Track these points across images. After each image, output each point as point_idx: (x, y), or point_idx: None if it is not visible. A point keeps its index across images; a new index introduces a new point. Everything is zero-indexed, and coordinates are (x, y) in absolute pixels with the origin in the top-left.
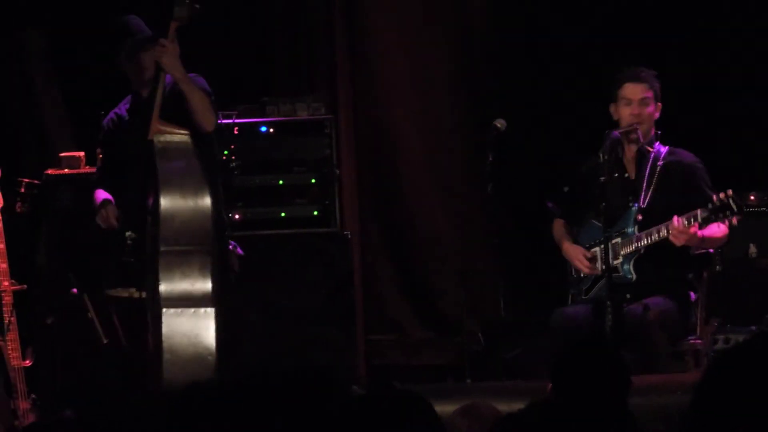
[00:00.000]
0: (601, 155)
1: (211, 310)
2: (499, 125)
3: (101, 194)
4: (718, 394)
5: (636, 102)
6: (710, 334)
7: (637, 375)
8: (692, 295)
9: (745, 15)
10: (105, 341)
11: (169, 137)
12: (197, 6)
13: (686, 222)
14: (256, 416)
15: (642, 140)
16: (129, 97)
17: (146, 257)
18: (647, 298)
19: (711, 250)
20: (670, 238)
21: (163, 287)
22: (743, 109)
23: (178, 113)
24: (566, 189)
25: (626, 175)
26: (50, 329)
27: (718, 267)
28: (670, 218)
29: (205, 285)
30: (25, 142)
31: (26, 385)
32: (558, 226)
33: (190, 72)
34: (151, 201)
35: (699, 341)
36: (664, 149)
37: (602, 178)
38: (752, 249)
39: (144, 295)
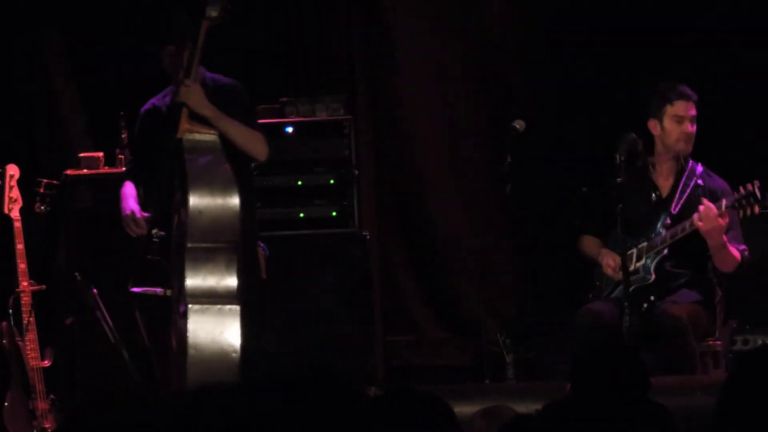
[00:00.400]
0: (617, 157)
1: (236, 308)
2: (518, 126)
3: (127, 196)
4: (745, 394)
5: (688, 120)
6: (729, 335)
7: (661, 375)
8: (716, 295)
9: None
10: (113, 341)
11: (198, 136)
12: (229, 6)
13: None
14: (270, 418)
15: (681, 158)
16: (169, 89)
17: (172, 255)
18: (677, 292)
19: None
20: (697, 223)
21: (189, 283)
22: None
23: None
24: (584, 189)
25: (658, 192)
26: (69, 330)
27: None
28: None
29: (231, 282)
30: (44, 142)
31: (45, 386)
32: (587, 241)
33: (225, 75)
34: (177, 199)
35: (718, 342)
36: (699, 167)
37: (618, 180)
38: None
39: (169, 293)
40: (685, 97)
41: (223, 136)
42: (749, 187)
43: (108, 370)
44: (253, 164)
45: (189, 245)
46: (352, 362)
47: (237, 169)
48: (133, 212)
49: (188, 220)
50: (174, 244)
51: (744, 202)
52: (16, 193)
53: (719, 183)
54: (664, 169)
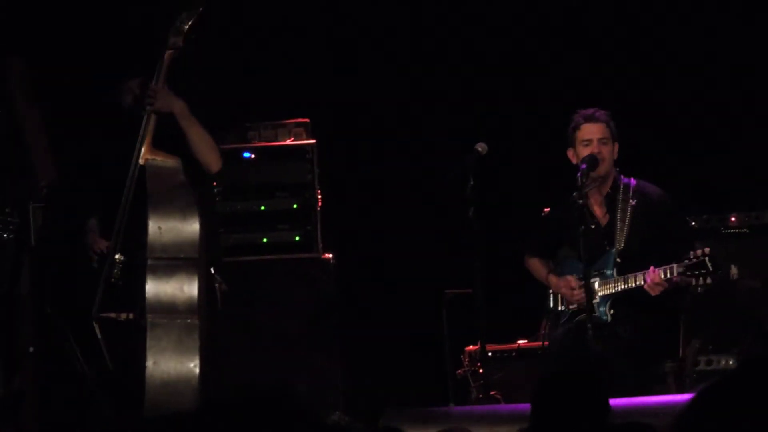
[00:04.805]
0: (579, 178)
1: (196, 322)
2: (480, 149)
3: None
4: (704, 426)
5: (595, 141)
6: (692, 355)
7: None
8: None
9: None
10: (81, 371)
11: (160, 162)
12: (193, 35)
13: (662, 275)
14: None
15: (602, 178)
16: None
17: (136, 279)
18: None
19: None
20: (646, 288)
21: (150, 297)
22: (723, 130)
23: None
24: (544, 212)
25: (596, 220)
26: (33, 358)
27: (699, 289)
28: (648, 257)
29: (192, 296)
30: (7, 169)
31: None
32: (535, 264)
33: (189, 99)
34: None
35: (681, 363)
36: (631, 186)
37: (580, 201)
38: (733, 270)
39: (132, 316)
40: (589, 119)
41: (187, 164)
42: (699, 253)
43: (73, 399)
44: (215, 189)
45: (150, 261)
46: (315, 386)
47: (200, 194)
48: (93, 236)
49: (149, 237)
50: (139, 265)
51: (696, 272)
52: None
53: (652, 191)
54: (595, 196)
